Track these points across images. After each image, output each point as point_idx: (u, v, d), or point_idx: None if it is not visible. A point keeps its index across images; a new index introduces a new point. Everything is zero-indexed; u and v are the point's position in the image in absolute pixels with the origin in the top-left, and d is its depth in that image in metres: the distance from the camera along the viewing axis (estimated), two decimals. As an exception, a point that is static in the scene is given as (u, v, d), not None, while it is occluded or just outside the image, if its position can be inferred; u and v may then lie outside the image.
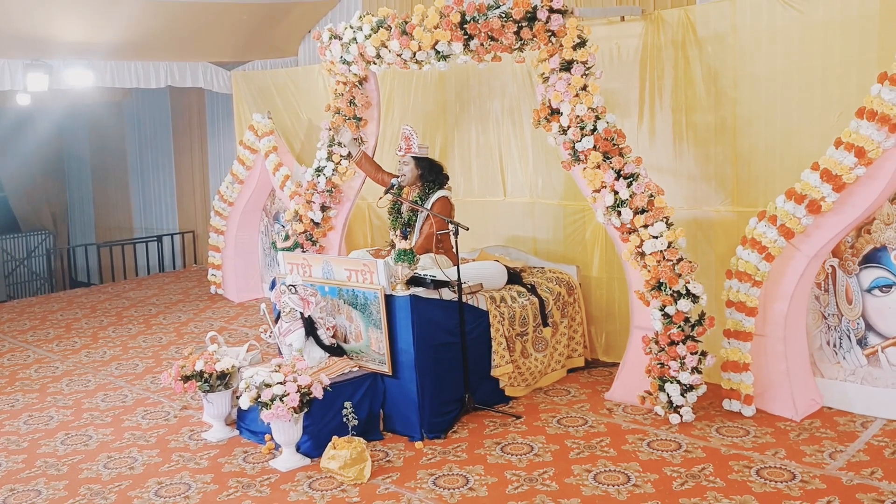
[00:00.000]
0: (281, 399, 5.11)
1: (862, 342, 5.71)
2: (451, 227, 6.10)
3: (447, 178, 6.83)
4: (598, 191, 5.92)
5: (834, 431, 5.44)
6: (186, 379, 5.80)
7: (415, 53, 6.43)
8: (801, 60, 5.92)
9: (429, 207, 6.56)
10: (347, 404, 5.26)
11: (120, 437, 6.04)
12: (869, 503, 4.41)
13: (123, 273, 13.72)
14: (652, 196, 5.76)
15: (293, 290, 5.84)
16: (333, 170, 7.65)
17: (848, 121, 5.30)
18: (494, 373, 6.23)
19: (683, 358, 5.65)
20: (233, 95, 10.97)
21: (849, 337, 5.77)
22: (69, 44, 9.16)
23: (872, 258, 5.62)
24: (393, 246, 6.81)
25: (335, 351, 5.97)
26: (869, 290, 5.65)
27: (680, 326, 5.64)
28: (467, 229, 6.10)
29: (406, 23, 6.41)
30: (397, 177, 6.81)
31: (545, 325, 6.67)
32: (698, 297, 5.67)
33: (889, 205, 5.47)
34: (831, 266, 5.79)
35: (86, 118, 15.80)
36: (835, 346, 5.84)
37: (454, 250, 6.12)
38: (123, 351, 8.50)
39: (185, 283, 12.13)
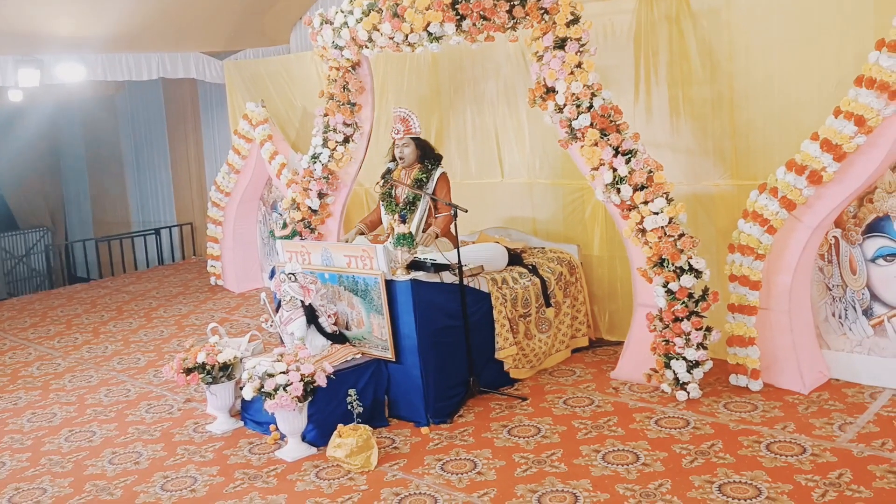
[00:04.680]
0: (284, 388, 5.08)
1: (867, 312, 5.68)
2: (451, 209, 6.07)
3: (441, 156, 6.81)
4: (596, 168, 5.87)
5: (842, 403, 5.41)
6: (189, 371, 5.78)
7: (407, 36, 6.37)
8: (797, 31, 5.85)
9: (432, 186, 6.55)
10: (352, 392, 5.23)
11: (124, 432, 6.02)
12: (881, 474, 4.38)
13: (122, 267, 13.68)
14: (651, 172, 5.71)
15: (293, 278, 5.80)
16: (329, 156, 7.59)
17: (846, 90, 5.24)
18: (498, 355, 6.20)
19: (688, 334, 5.61)
20: (226, 85, 10.89)
21: (854, 308, 5.73)
22: (59, 38, 9.08)
23: (875, 227, 5.57)
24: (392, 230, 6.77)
25: (337, 338, 5.94)
26: (873, 260, 5.61)
27: (684, 302, 5.61)
28: (466, 211, 6.06)
29: (397, 5, 6.33)
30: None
31: (548, 305, 6.64)
32: (701, 273, 5.63)
33: (891, 173, 5.42)
34: (834, 237, 5.75)
35: (79, 113, 15.71)
36: (840, 317, 5.80)
37: (454, 233, 6.07)
38: (125, 345, 8.47)
39: (185, 276, 12.09)
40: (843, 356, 5.82)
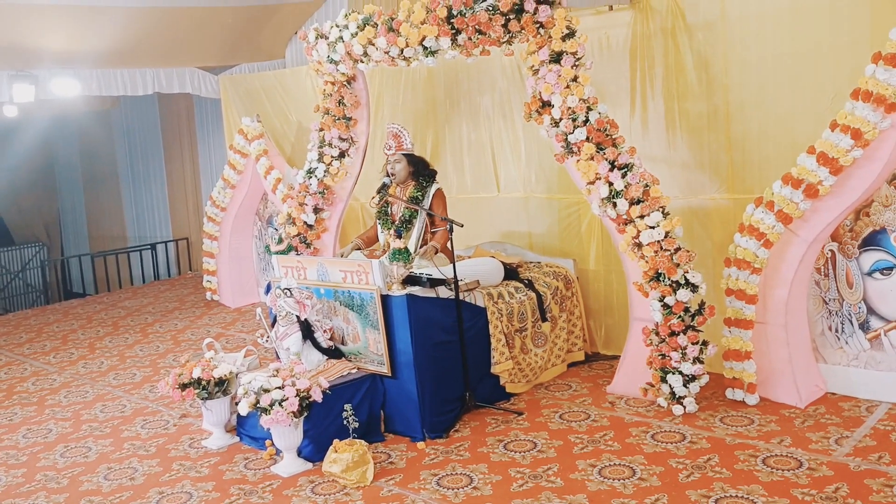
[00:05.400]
0: (280, 404, 5.06)
1: (864, 326, 5.67)
2: (447, 223, 6.06)
3: (435, 171, 6.82)
4: (592, 182, 5.88)
5: (839, 417, 5.39)
6: (184, 387, 5.75)
7: (402, 50, 6.37)
8: (793, 44, 5.86)
9: (428, 202, 6.55)
10: (347, 407, 5.21)
11: (119, 448, 5.99)
12: (878, 488, 4.36)
13: (118, 282, 13.66)
14: (647, 186, 5.71)
15: (288, 293, 5.79)
16: (325, 171, 7.59)
17: (842, 103, 5.26)
18: (494, 370, 6.19)
19: (685, 348, 5.61)
20: (221, 100, 10.91)
21: (850, 321, 5.72)
22: (54, 53, 9.09)
23: (872, 241, 5.57)
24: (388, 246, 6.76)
25: (333, 353, 5.93)
26: (869, 274, 5.61)
27: (680, 317, 5.60)
28: (461, 226, 6.06)
29: (392, 19, 6.35)
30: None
31: (544, 319, 6.63)
32: (697, 287, 5.63)
33: (887, 186, 5.43)
34: (831, 250, 5.74)
35: (75, 128, 15.72)
36: (837, 331, 5.80)
37: (450, 247, 6.06)
38: (121, 361, 8.44)
39: (181, 291, 12.07)
40: (839, 370, 5.81)
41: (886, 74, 4.94)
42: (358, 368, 5.85)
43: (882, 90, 4.96)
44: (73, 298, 13.05)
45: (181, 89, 10.69)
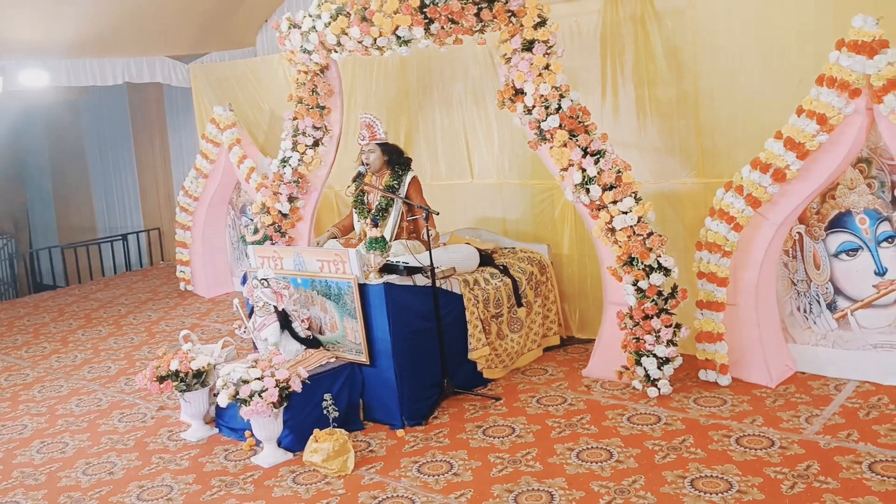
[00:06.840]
0: (259, 395, 5.08)
1: (831, 306, 5.79)
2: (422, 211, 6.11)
3: (410, 159, 6.86)
4: (565, 169, 5.94)
5: (809, 396, 5.51)
6: (162, 379, 5.75)
7: (375, 40, 6.37)
8: (759, 31, 5.94)
9: (404, 190, 6.62)
10: (327, 396, 5.25)
11: (97, 442, 5.98)
12: (847, 465, 4.47)
13: (90, 274, 13.54)
14: (619, 172, 5.78)
15: (265, 283, 5.80)
16: (299, 160, 7.58)
17: (808, 89, 5.34)
18: (471, 356, 6.25)
19: (658, 331, 5.69)
20: (192, 89, 10.84)
21: (818, 302, 5.84)
22: (21, 44, 8.98)
23: (838, 223, 5.68)
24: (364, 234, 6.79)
25: (311, 343, 5.95)
26: (836, 255, 5.72)
27: (653, 300, 5.69)
28: (437, 213, 6.11)
29: (365, 9, 6.33)
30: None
31: (519, 305, 6.70)
32: (670, 271, 5.71)
33: (852, 169, 5.53)
34: (798, 233, 5.85)
35: (42, 119, 15.50)
36: (805, 311, 5.91)
37: (426, 236, 6.10)
38: (95, 354, 8.41)
39: (154, 282, 12.00)
40: (808, 349, 5.92)
41: (850, 61, 5.03)
42: (336, 357, 5.89)
43: (846, 76, 5.05)
44: (44, 291, 12.93)
45: (151, 79, 10.58)
